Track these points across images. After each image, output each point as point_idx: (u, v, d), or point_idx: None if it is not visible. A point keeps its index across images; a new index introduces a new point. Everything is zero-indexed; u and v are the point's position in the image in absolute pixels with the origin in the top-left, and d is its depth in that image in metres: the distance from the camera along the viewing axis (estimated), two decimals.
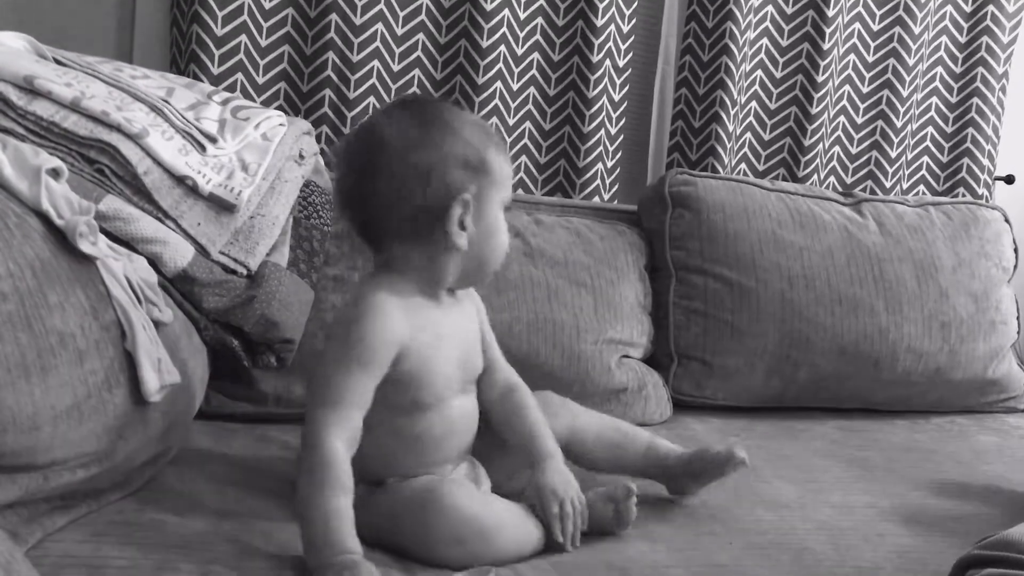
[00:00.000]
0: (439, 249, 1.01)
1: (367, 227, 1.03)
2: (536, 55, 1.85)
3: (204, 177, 1.22)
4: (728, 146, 1.96)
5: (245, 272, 1.27)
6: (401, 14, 1.75)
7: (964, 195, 2.12)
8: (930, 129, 2.13)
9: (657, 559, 1.00)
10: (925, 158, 2.14)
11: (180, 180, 1.20)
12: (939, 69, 2.11)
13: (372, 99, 1.74)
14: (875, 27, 2.05)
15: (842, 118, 2.07)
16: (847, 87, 2.06)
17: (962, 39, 2.11)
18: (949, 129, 2.14)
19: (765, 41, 2.00)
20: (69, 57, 1.25)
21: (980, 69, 2.10)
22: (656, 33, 2.01)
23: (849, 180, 2.09)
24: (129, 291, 1.00)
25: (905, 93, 2.06)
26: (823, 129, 2.03)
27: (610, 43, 1.86)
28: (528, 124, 1.86)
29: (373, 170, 0.98)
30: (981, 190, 2.13)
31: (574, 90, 1.86)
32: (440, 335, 1.02)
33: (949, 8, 2.08)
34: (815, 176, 2.04)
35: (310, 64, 1.71)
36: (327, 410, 0.93)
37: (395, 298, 0.98)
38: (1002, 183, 2.18)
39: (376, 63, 1.73)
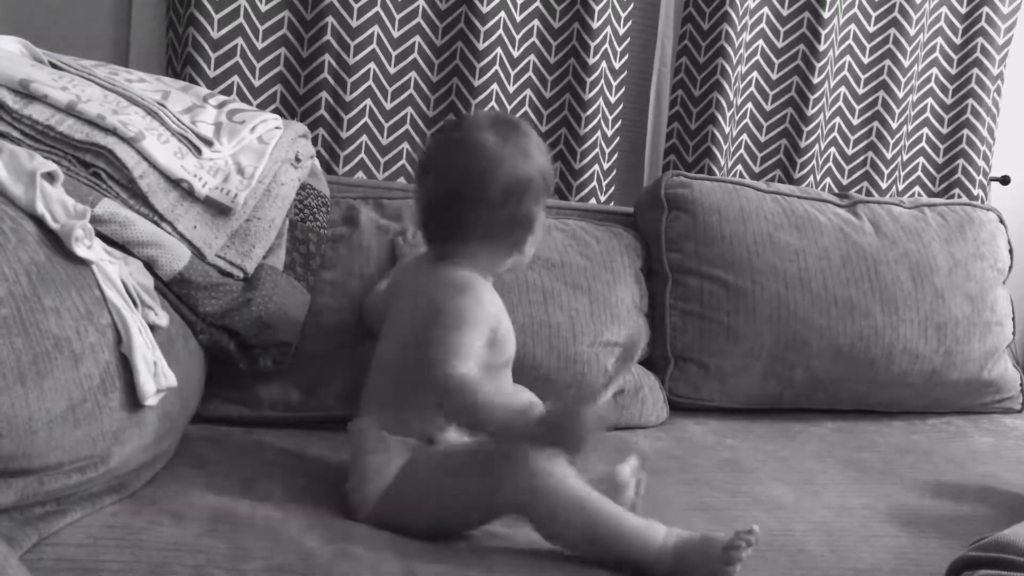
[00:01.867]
0: (505, 249, 1.17)
1: (449, 224, 1.15)
2: (532, 57, 1.85)
3: (200, 180, 1.22)
4: (724, 148, 1.96)
5: (241, 275, 1.27)
6: (397, 17, 1.75)
7: (960, 196, 2.12)
8: (926, 130, 2.14)
9: None
10: (921, 159, 2.15)
11: (176, 183, 1.20)
12: (934, 70, 2.12)
13: (368, 102, 1.74)
14: (871, 28, 2.05)
15: (838, 119, 2.08)
16: (843, 88, 2.07)
17: (957, 40, 2.11)
18: (945, 130, 2.14)
19: (761, 43, 2.00)
20: (65, 61, 1.25)
21: (975, 70, 2.10)
22: (652, 35, 2.01)
23: (845, 181, 2.09)
24: (125, 295, 1.00)
25: (901, 94, 2.06)
26: (819, 130, 2.03)
27: (606, 45, 1.86)
28: None
29: (480, 179, 1.11)
30: (977, 191, 2.13)
31: (570, 92, 1.86)
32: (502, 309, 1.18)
33: (944, 10, 2.09)
34: (811, 177, 2.04)
35: (306, 67, 1.71)
36: (453, 361, 1.03)
37: (479, 278, 1.14)
38: (997, 184, 2.19)
39: (372, 66, 1.73)
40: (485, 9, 1.76)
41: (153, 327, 1.04)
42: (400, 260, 1.46)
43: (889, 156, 2.09)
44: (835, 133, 2.08)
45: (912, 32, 2.05)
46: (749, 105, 2.02)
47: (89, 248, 0.96)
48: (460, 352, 1.04)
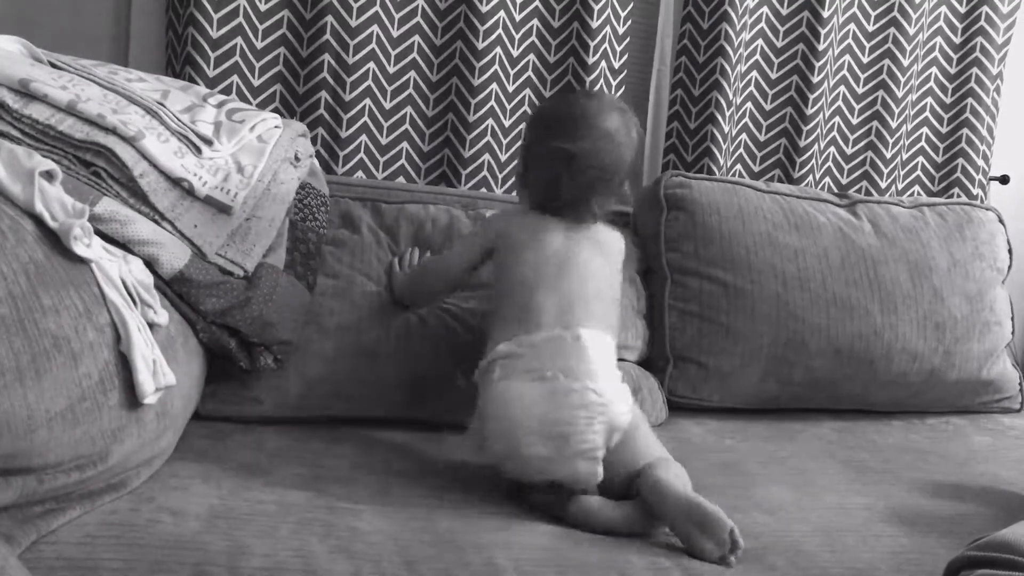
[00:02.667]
0: None
1: (599, 203, 1.33)
2: (532, 57, 1.85)
3: (200, 179, 1.23)
4: (724, 147, 1.96)
5: (242, 273, 1.27)
6: (396, 16, 1.75)
7: (959, 195, 2.13)
8: (925, 130, 2.14)
9: (655, 560, 1.01)
10: (920, 159, 2.15)
11: (176, 182, 1.20)
12: (934, 70, 2.12)
13: (368, 101, 1.74)
14: (870, 28, 2.05)
15: (837, 119, 2.08)
16: (842, 88, 2.07)
17: (956, 40, 2.11)
18: (944, 130, 2.14)
19: (760, 42, 2.00)
20: (64, 60, 1.25)
21: (975, 70, 2.10)
22: (652, 34, 2.01)
23: (844, 181, 2.10)
24: (124, 293, 1.00)
25: (900, 94, 2.07)
26: (818, 130, 2.03)
27: (605, 44, 1.86)
28: (524, 126, 1.86)
29: (620, 167, 1.32)
30: (976, 190, 2.13)
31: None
32: None
33: (943, 9, 2.09)
34: (811, 177, 2.04)
35: (306, 66, 1.71)
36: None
37: None
38: (997, 183, 2.19)
39: (372, 65, 1.73)
40: (484, 9, 1.76)
41: (152, 325, 1.04)
42: (395, 282, 1.47)
43: (888, 156, 2.09)
44: (834, 133, 2.08)
45: (912, 32, 2.05)
46: (748, 105, 2.02)
47: (88, 246, 0.96)
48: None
